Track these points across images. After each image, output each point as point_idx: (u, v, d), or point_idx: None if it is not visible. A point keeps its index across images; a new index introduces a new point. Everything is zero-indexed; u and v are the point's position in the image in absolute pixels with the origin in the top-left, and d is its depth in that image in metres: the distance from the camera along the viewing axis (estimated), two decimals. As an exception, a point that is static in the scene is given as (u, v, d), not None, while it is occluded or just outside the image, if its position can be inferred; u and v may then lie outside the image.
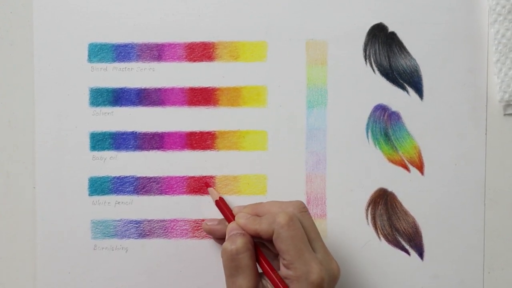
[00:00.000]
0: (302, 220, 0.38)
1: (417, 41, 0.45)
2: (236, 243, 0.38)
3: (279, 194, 0.45)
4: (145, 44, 0.45)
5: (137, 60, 0.45)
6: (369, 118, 0.45)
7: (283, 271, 0.37)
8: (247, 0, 0.45)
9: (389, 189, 0.45)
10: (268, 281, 0.37)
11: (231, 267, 0.37)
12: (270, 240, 0.38)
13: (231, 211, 0.42)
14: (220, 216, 0.43)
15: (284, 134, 0.45)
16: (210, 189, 0.44)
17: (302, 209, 0.39)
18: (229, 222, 0.41)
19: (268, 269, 0.38)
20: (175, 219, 0.45)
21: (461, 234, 0.45)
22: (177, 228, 0.45)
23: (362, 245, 0.45)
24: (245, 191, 0.45)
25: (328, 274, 0.36)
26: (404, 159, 0.45)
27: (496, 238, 0.45)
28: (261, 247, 0.39)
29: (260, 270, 0.38)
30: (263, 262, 0.38)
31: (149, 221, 0.45)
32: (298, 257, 0.36)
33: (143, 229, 0.45)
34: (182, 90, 0.45)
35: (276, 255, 0.39)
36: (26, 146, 0.45)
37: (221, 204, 0.43)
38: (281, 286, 0.36)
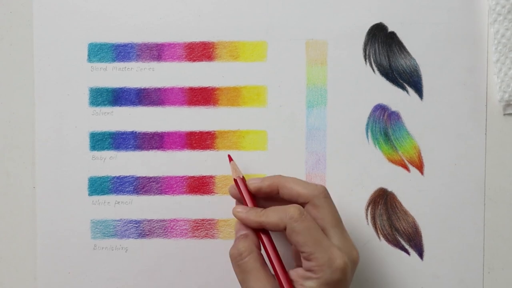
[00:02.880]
0: (323, 206, 0.38)
1: (417, 41, 0.45)
2: (239, 247, 0.38)
3: (279, 194, 0.45)
4: (145, 44, 0.45)
5: (136, 60, 0.45)
6: (369, 118, 0.45)
7: (305, 263, 0.36)
8: (247, 0, 0.45)
9: (389, 189, 0.45)
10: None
11: (240, 272, 0.38)
12: (277, 232, 0.37)
13: (248, 192, 0.40)
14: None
15: (284, 134, 0.45)
16: (232, 162, 0.43)
17: (324, 194, 0.38)
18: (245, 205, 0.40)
19: (277, 267, 0.37)
20: (175, 219, 0.45)
21: (461, 234, 0.45)
22: (177, 228, 0.45)
23: (362, 245, 0.45)
24: (245, 191, 0.45)
25: (350, 259, 0.36)
26: (404, 159, 0.45)
27: (496, 238, 0.45)
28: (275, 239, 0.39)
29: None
30: (272, 260, 0.38)
31: (149, 221, 0.45)
32: (317, 246, 0.36)
33: (143, 229, 0.45)
34: (182, 90, 0.45)
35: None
36: (26, 146, 0.45)
37: (238, 185, 0.41)
38: (285, 286, 0.36)
